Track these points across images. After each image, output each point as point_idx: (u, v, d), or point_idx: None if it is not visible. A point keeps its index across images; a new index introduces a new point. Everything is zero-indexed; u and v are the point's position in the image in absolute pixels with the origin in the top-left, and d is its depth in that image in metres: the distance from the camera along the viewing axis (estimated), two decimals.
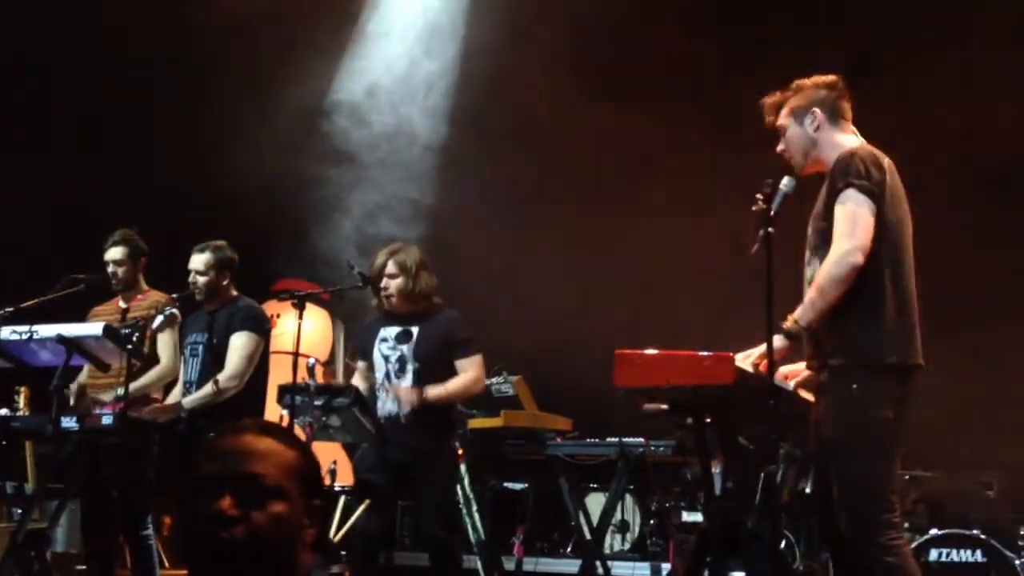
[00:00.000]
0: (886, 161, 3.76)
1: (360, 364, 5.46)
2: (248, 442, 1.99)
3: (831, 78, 3.97)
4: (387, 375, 5.25)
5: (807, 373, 3.93)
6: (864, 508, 3.57)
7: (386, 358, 5.26)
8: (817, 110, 3.90)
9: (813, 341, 3.78)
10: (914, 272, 3.77)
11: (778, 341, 3.67)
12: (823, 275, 3.63)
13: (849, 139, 3.88)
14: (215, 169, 7.56)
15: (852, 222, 3.62)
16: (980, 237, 7.33)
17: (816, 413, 3.77)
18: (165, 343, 5.66)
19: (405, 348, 5.22)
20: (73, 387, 5.68)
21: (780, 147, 3.98)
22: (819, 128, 3.89)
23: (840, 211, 3.65)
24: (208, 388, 5.37)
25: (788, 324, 3.68)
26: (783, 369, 3.91)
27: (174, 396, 5.65)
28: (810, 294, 3.68)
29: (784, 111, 3.96)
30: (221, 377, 5.37)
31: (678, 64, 7.85)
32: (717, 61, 7.92)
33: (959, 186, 7.13)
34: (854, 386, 3.59)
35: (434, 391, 5.12)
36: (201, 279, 5.56)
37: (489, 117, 8.37)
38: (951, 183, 6.94)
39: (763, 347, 3.61)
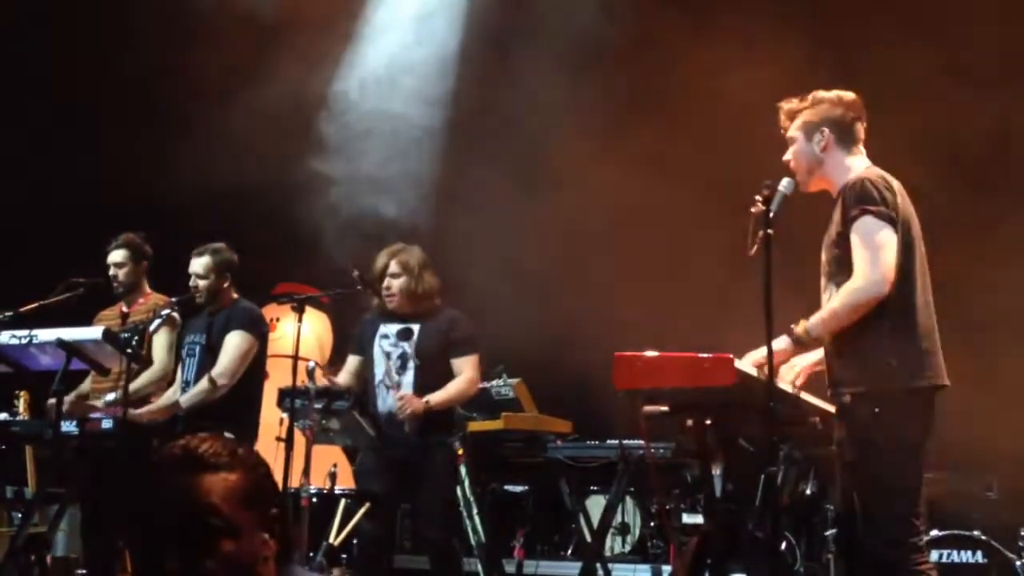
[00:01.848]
0: (895, 183, 3.73)
1: (352, 358, 5.44)
2: (186, 479, 1.80)
3: (850, 96, 3.89)
4: (387, 372, 5.25)
5: (808, 371, 3.91)
6: (891, 531, 3.56)
7: (387, 355, 5.26)
8: (827, 129, 3.84)
9: (833, 365, 3.76)
10: (930, 291, 3.75)
11: (783, 343, 3.67)
12: (844, 299, 3.60)
13: (858, 162, 3.84)
14: (212, 170, 7.56)
15: (874, 250, 3.58)
16: (977, 238, 7.32)
17: (837, 435, 3.76)
18: (160, 345, 5.67)
19: (407, 345, 5.22)
20: (70, 396, 5.63)
21: (787, 157, 3.93)
22: (826, 148, 3.84)
23: (859, 239, 3.61)
24: (204, 384, 5.38)
25: (799, 330, 3.67)
26: (794, 360, 3.87)
27: (169, 396, 5.65)
28: (826, 312, 3.66)
29: (796, 123, 3.91)
30: (214, 374, 5.38)
31: (679, 59, 7.83)
32: (713, 63, 7.91)
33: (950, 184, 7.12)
34: (876, 409, 3.57)
35: (436, 398, 5.13)
36: (201, 283, 5.57)
37: (485, 102, 8.35)
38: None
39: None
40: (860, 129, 3.90)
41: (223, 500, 1.80)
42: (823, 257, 3.82)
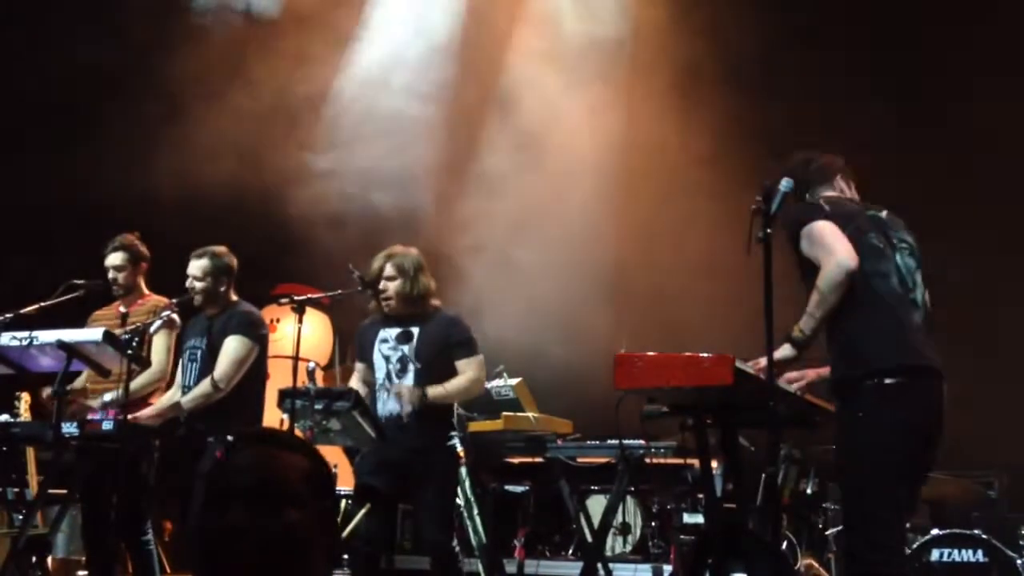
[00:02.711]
0: (821, 199, 3.88)
1: (359, 366, 5.47)
2: (259, 453, 1.99)
3: (791, 160, 4.06)
4: (388, 375, 5.26)
5: (812, 377, 3.94)
6: (869, 532, 3.57)
7: (387, 358, 5.27)
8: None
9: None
10: (904, 280, 3.79)
11: (786, 351, 3.69)
12: (820, 283, 3.67)
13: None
14: (210, 169, 7.56)
15: (823, 240, 3.72)
16: (983, 235, 7.32)
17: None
18: (158, 347, 5.65)
19: (406, 348, 5.23)
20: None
21: None
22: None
23: (808, 244, 3.76)
24: (206, 386, 5.38)
25: (795, 332, 3.70)
26: (789, 375, 3.92)
27: (168, 398, 5.64)
28: (811, 304, 3.72)
29: None
30: (214, 376, 5.39)
31: (690, 59, 7.81)
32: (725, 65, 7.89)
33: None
34: (860, 413, 3.62)
35: (435, 391, 5.14)
36: (199, 285, 5.57)
37: (481, 96, 8.33)
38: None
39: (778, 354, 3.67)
40: (819, 176, 4.04)
41: (295, 475, 1.97)
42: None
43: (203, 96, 7.83)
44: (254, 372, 5.55)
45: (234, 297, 5.68)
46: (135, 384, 5.49)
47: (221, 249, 5.66)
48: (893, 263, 3.79)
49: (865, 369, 3.64)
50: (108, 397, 5.48)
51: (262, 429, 2.08)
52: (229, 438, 5.03)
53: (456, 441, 5.28)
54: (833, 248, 3.68)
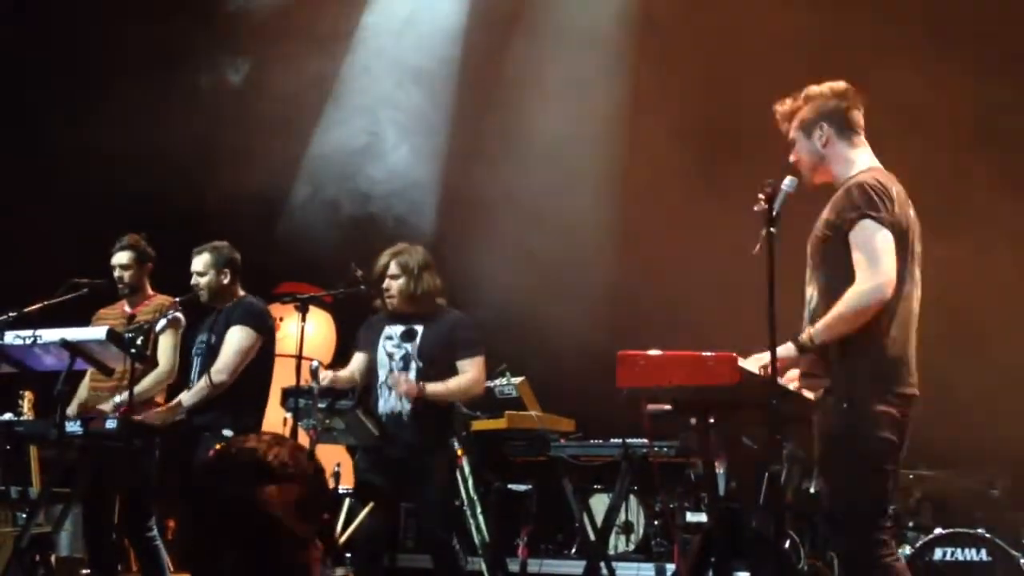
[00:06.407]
0: (895, 189, 3.72)
1: (357, 355, 5.44)
2: (252, 489, 1.87)
3: (840, 86, 3.88)
4: (390, 373, 5.25)
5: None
6: (857, 525, 3.58)
7: (390, 356, 5.27)
8: (825, 124, 3.84)
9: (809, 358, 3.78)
10: (917, 300, 3.75)
11: (788, 350, 3.67)
12: (849, 304, 3.59)
13: (860, 154, 3.84)
14: (212, 170, 7.55)
15: (874, 254, 3.59)
16: (986, 232, 7.29)
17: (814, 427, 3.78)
18: (164, 347, 5.65)
19: (409, 346, 5.23)
20: (73, 406, 5.62)
21: (793, 157, 3.93)
22: (827, 143, 3.84)
23: (858, 243, 3.62)
24: (202, 384, 5.38)
25: (803, 337, 3.67)
26: (789, 372, 3.91)
27: (177, 400, 5.65)
28: (831, 318, 3.63)
29: (795, 123, 3.90)
30: (212, 371, 5.37)
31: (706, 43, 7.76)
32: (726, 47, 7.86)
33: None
34: (845, 405, 3.59)
35: (433, 387, 5.14)
36: (202, 280, 5.57)
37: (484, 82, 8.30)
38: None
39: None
40: (857, 117, 3.88)
41: (285, 511, 1.87)
42: (809, 249, 3.83)
43: (201, 95, 7.84)
44: (259, 366, 5.51)
45: (241, 292, 5.67)
46: (143, 384, 5.46)
47: (221, 243, 5.66)
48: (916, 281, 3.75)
49: (861, 390, 3.60)
50: (120, 399, 5.46)
51: (248, 458, 1.89)
52: (225, 432, 5.08)
53: (454, 440, 5.29)
54: (879, 267, 3.57)
